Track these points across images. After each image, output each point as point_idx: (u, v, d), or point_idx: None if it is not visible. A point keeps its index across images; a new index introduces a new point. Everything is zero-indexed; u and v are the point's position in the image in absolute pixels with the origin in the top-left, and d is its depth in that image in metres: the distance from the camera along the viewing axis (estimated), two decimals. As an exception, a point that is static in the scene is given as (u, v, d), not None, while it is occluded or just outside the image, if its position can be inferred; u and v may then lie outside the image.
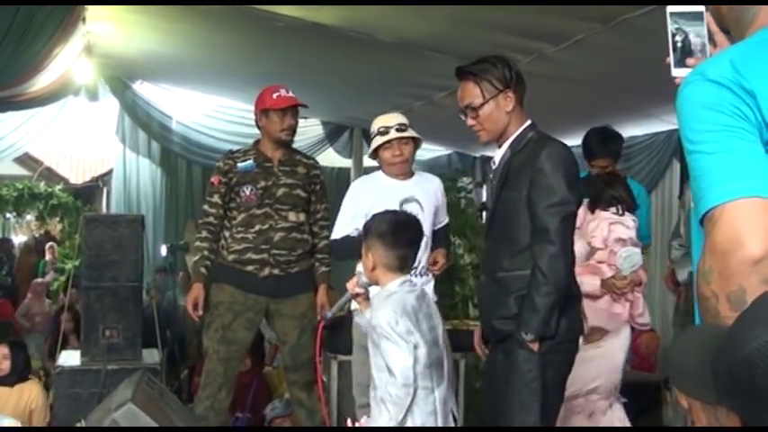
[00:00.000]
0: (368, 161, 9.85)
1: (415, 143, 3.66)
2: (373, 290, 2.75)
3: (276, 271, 3.87)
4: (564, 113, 6.76)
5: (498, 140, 2.73)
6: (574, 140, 9.21)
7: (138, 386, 3.38)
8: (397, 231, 2.62)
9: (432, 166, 9.92)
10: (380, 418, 2.47)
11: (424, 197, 3.60)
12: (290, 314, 3.94)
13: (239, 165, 3.92)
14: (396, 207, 3.53)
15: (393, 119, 3.64)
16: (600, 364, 3.47)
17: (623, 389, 3.78)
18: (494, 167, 2.77)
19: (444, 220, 3.77)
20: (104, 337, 4.41)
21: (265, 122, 3.93)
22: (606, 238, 3.58)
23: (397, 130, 3.58)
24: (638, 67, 5.28)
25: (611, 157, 4.06)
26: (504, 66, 2.69)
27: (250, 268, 3.86)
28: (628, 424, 3.57)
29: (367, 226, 2.73)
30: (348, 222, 3.73)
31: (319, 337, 2.83)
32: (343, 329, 3.90)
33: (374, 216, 2.82)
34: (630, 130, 8.11)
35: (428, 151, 9.67)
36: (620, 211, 3.67)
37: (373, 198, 3.61)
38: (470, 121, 2.71)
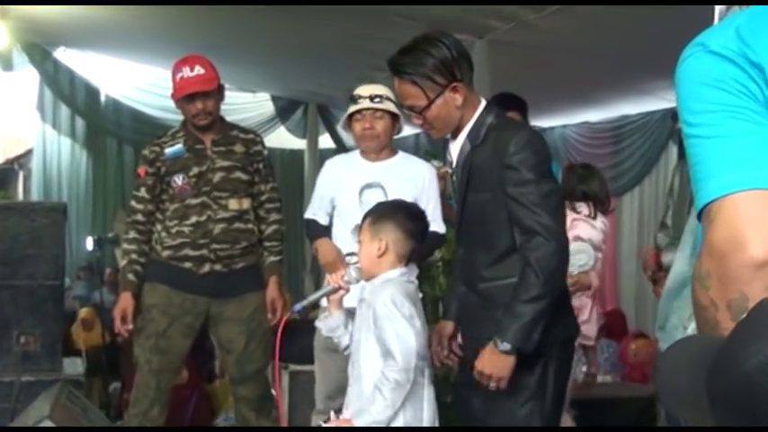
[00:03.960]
0: (324, 142, 9.87)
1: (394, 120, 3.66)
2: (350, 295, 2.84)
3: (218, 267, 3.82)
4: (548, 89, 6.79)
5: (453, 133, 2.71)
6: (559, 120, 9.28)
7: (57, 401, 3.32)
8: (418, 221, 2.78)
9: (398, 147, 9.93)
10: (374, 405, 2.53)
11: (394, 183, 3.57)
12: (235, 317, 3.89)
13: (167, 151, 3.86)
14: (355, 192, 3.57)
15: (371, 89, 3.64)
16: None
17: (611, 402, 3.80)
18: (451, 161, 2.74)
19: (435, 225, 3.49)
20: (18, 344, 4.32)
21: (179, 107, 3.90)
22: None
23: (372, 99, 3.58)
24: (632, 37, 5.32)
25: (517, 110, 4.06)
26: (442, 50, 2.56)
27: (187, 265, 3.81)
28: None
29: (381, 211, 2.80)
30: (315, 204, 3.78)
31: (279, 337, 2.81)
32: (296, 335, 3.86)
33: (393, 202, 2.94)
34: (622, 108, 8.22)
35: (394, 131, 9.66)
36: (592, 213, 3.68)
37: (338, 180, 3.65)
38: (417, 122, 2.69)
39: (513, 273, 2.49)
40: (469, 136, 2.62)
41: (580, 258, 3.53)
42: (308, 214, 3.82)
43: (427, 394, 2.67)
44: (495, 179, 2.52)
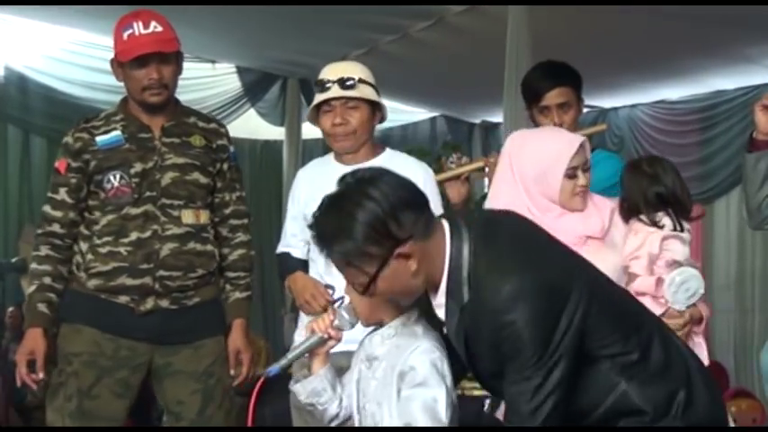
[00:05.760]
0: (309, 131, 9.87)
1: (374, 109, 3.72)
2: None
3: (165, 303, 3.82)
4: (609, 56, 6.82)
5: (431, 289, 2.73)
6: (626, 98, 9.28)
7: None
8: None
9: (407, 138, 9.97)
10: None
11: None
12: (188, 371, 3.90)
13: (99, 139, 3.85)
14: None
15: (340, 69, 3.70)
16: None
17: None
18: (441, 317, 2.77)
19: None
20: None
21: (122, 77, 3.90)
22: (655, 259, 3.59)
23: (342, 85, 3.64)
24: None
25: (571, 86, 4.07)
26: (367, 209, 2.56)
27: (123, 299, 3.81)
28: None
29: None
30: (288, 231, 3.85)
31: (254, 402, 2.84)
32: (271, 395, 3.89)
33: None
34: (714, 82, 8.21)
35: (402, 113, 9.69)
36: (677, 224, 3.67)
37: (311, 193, 3.65)
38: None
39: None
40: (451, 295, 2.66)
41: (688, 288, 3.52)
42: (280, 248, 3.91)
43: None
44: (493, 351, 2.60)
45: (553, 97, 3.92)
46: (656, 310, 3.47)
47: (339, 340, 2.82)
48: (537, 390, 2.52)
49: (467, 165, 3.98)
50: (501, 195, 3.46)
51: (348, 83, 3.65)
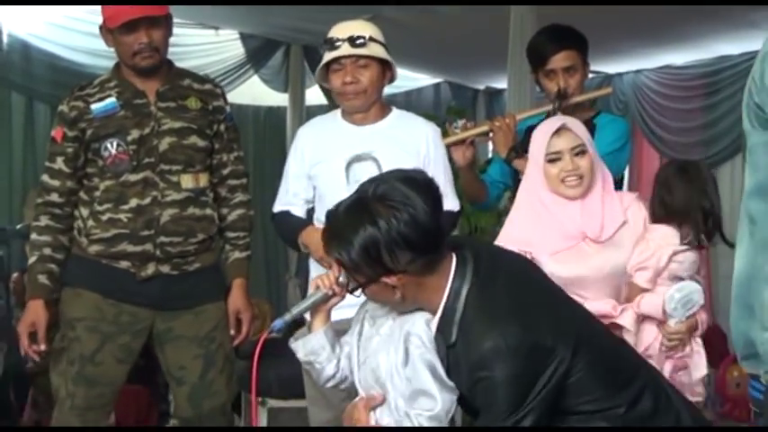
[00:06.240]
0: (313, 97, 9.85)
1: (385, 69, 3.71)
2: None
3: (165, 269, 3.83)
4: (614, 20, 6.79)
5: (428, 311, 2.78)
6: (630, 63, 9.23)
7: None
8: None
9: (411, 104, 9.93)
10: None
11: (389, 153, 3.63)
12: (189, 336, 3.91)
13: (94, 107, 3.85)
14: (340, 168, 3.64)
15: (350, 28, 3.68)
16: None
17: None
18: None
19: (447, 202, 3.40)
20: None
21: (113, 43, 3.87)
22: (660, 272, 3.54)
23: (352, 43, 3.62)
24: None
25: (577, 49, 4.03)
26: (368, 231, 2.60)
27: (124, 265, 3.81)
28: None
29: None
30: (288, 189, 3.82)
31: (256, 362, 2.84)
32: (275, 359, 3.89)
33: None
34: (718, 47, 8.17)
35: (406, 80, 9.65)
36: (702, 240, 3.61)
37: (316, 152, 3.71)
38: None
39: None
40: (440, 331, 2.70)
41: (687, 302, 3.49)
42: (278, 206, 3.87)
43: None
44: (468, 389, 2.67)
45: (559, 60, 3.90)
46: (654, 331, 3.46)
47: (343, 297, 2.83)
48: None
49: (472, 129, 3.96)
50: (523, 182, 3.50)
51: (358, 41, 3.62)
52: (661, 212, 3.49)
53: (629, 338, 3.31)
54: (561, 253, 3.30)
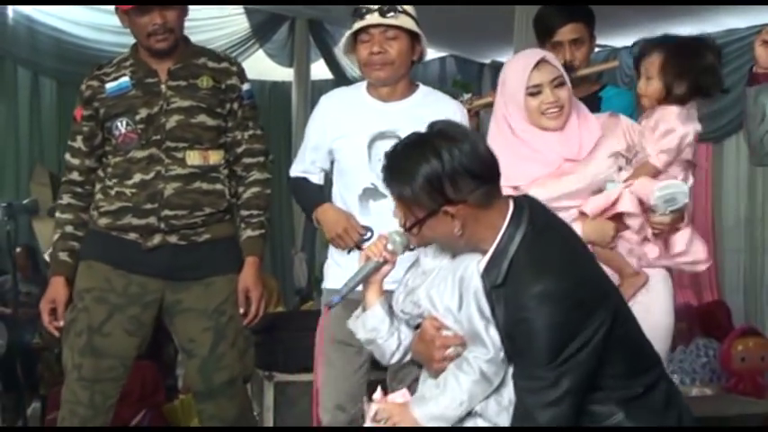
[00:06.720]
0: (318, 71, 9.84)
1: (414, 44, 3.64)
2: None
3: (173, 239, 3.81)
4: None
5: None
6: (637, 36, 9.22)
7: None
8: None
9: (416, 78, 9.87)
10: (444, 394, 2.68)
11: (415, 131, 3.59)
12: (199, 308, 3.89)
13: (108, 86, 3.84)
14: (362, 144, 3.59)
15: None
16: None
17: (710, 422, 3.78)
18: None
19: None
20: None
21: (128, 24, 3.87)
22: (681, 152, 3.55)
23: (383, 13, 3.53)
24: None
25: (584, 22, 4.02)
26: (432, 164, 2.65)
27: (132, 236, 3.81)
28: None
29: None
30: (306, 157, 3.79)
31: (320, 335, 2.90)
32: (282, 333, 3.89)
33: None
34: (724, 20, 8.14)
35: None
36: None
37: (338, 125, 3.65)
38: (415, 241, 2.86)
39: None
40: (487, 272, 2.72)
41: (670, 200, 3.50)
42: (296, 171, 3.86)
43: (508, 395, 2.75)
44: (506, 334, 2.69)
45: (566, 33, 3.88)
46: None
47: (394, 264, 2.83)
48: (545, 390, 2.60)
49: (477, 100, 3.95)
50: (493, 118, 3.48)
51: (389, 13, 3.54)
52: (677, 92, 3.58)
53: (634, 221, 3.36)
54: (541, 178, 3.31)
